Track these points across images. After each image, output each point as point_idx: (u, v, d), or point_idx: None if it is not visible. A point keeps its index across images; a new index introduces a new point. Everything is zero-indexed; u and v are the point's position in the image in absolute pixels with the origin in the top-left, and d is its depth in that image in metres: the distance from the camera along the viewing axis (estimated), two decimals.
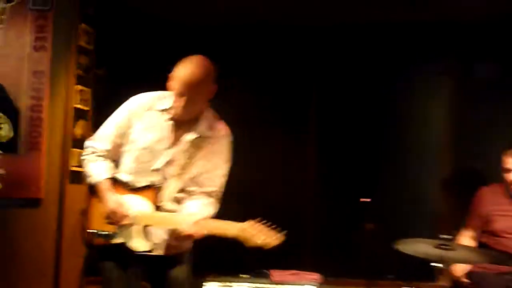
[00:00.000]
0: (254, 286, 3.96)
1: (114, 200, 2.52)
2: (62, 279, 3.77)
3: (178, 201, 2.57)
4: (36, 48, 3.67)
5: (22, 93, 3.70)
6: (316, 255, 4.62)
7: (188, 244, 2.64)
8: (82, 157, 2.69)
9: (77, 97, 3.91)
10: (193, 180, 2.59)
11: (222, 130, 2.65)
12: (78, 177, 3.80)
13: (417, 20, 4.59)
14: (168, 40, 4.67)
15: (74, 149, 3.83)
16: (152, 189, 2.54)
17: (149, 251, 2.56)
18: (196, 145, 2.57)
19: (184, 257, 2.67)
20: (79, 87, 3.91)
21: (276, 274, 4.02)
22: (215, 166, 2.59)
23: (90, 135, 3.76)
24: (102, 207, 2.57)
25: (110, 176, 2.56)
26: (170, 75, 2.47)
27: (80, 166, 3.79)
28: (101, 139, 2.63)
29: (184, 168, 2.57)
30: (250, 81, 4.88)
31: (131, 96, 2.71)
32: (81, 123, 3.94)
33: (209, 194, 2.56)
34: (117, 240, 2.56)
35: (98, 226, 2.58)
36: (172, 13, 4.60)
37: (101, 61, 4.15)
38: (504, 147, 3.81)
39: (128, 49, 4.42)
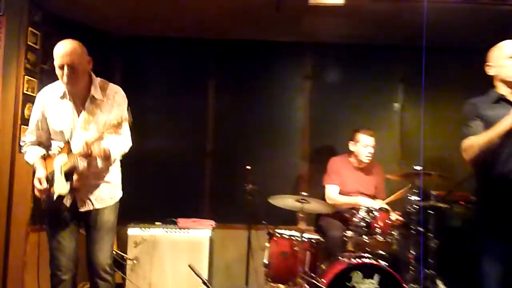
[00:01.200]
0: (165, 230, 4.37)
1: (41, 171, 2.87)
2: (12, 227, 4.00)
3: None
4: None
5: None
6: (211, 208, 5.05)
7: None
8: (22, 150, 3.05)
9: (26, 85, 4.14)
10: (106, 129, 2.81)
11: (114, 89, 3.03)
12: None
13: (285, 41, 5.22)
14: (96, 44, 4.60)
15: (23, 126, 4.06)
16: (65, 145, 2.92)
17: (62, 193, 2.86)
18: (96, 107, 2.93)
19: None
20: (27, 77, 4.16)
21: (181, 221, 4.44)
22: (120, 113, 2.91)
23: None
24: None
25: (37, 159, 2.92)
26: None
27: None
28: (29, 134, 3.02)
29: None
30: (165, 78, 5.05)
31: None
32: (28, 106, 4.12)
33: None
34: (55, 195, 2.87)
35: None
36: (100, 24, 4.82)
37: (46, 58, 4.29)
38: (349, 130, 4.55)
39: None
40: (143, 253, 4.25)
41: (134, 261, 4.23)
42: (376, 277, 3.50)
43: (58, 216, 2.92)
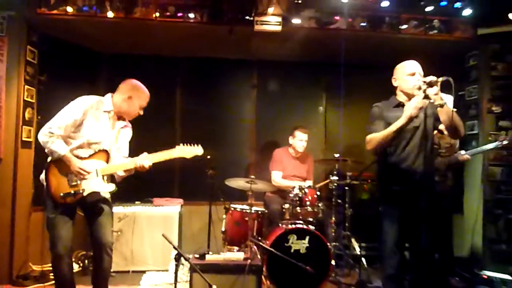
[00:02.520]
0: (142, 209, 4.30)
1: (79, 163, 2.73)
2: (17, 208, 3.95)
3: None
4: None
5: None
6: (180, 189, 5.05)
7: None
8: (43, 139, 2.70)
9: (26, 93, 4.06)
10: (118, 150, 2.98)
11: (129, 123, 3.09)
12: (27, 145, 4.08)
13: (236, 58, 5.20)
14: (85, 60, 4.74)
15: (24, 127, 4.04)
16: (103, 153, 2.84)
17: (112, 191, 2.84)
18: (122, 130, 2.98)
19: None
20: (27, 87, 4.08)
21: (156, 200, 4.41)
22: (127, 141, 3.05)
23: (35, 118, 4.05)
24: (59, 176, 2.73)
25: (67, 152, 2.71)
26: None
27: (28, 138, 4.05)
28: (59, 128, 2.71)
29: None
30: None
31: (63, 93, 3.04)
32: (28, 110, 4.11)
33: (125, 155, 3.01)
34: (87, 191, 2.76)
35: (62, 190, 2.72)
36: (88, 44, 4.69)
37: (42, 70, 4.27)
38: (286, 127, 4.66)
39: (60, 64, 4.47)
40: (125, 226, 4.19)
41: (119, 233, 4.17)
42: (307, 238, 3.60)
43: (69, 204, 2.76)
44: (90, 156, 2.81)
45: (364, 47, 4.64)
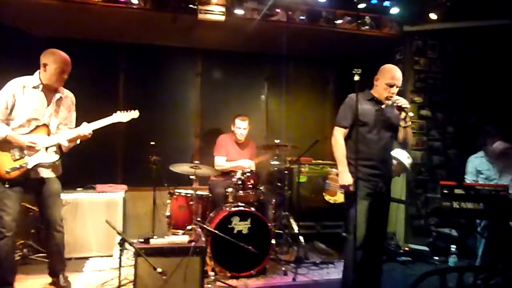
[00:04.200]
0: (85, 195, 4.14)
1: (26, 137, 2.82)
2: None
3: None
4: None
5: None
6: (124, 175, 4.93)
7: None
8: None
9: None
10: (63, 122, 3.08)
11: (69, 93, 3.17)
12: None
13: (181, 46, 5.12)
14: (23, 44, 4.39)
15: None
16: (43, 127, 2.92)
17: (53, 162, 2.94)
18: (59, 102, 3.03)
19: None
20: None
21: (99, 187, 4.29)
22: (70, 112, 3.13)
23: None
24: (2, 154, 2.81)
25: (10, 132, 2.80)
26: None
27: None
28: None
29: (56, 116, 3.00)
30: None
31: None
32: None
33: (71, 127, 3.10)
34: (31, 164, 2.85)
35: (7, 166, 2.81)
36: (27, 27, 4.39)
37: None
38: (229, 114, 4.63)
39: None
40: (67, 213, 3.96)
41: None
42: (249, 219, 3.65)
43: (16, 180, 2.84)
44: (31, 131, 2.90)
45: (303, 39, 4.74)
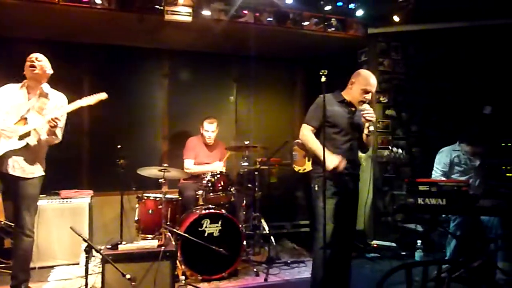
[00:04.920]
0: (48, 202, 4.01)
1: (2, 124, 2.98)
2: None
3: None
4: None
5: None
6: (90, 180, 4.77)
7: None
8: None
9: None
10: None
11: (59, 95, 3.26)
12: None
13: (148, 47, 5.00)
14: None
15: None
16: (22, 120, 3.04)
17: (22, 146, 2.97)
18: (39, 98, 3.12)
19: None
20: None
21: (64, 192, 4.15)
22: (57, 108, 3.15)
23: None
24: None
25: None
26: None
27: None
28: None
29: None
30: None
31: None
32: None
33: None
34: (1, 151, 2.95)
35: None
36: None
37: None
38: (198, 116, 4.59)
39: None
40: None
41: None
42: (220, 222, 3.64)
43: None
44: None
45: (271, 40, 4.78)
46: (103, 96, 3.21)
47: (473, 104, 4.60)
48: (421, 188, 2.93)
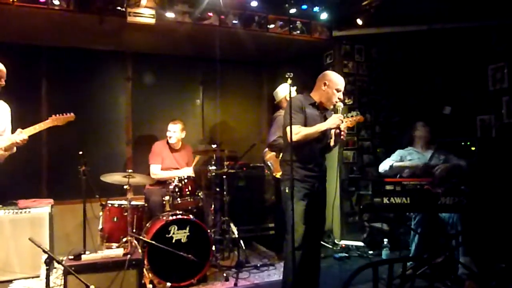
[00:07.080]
0: (5, 213, 3.83)
1: None
2: None
3: None
4: None
5: None
6: (50, 188, 4.63)
7: None
8: None
9: None
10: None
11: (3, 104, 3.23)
12: None
13: (109, 50, 4.88)
14: None
15: None
16: None
17: None
18: None
19: None
20: None
21: (22, 202, 3.99)
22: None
23: None
24: None
25: None
26: None
27: None
28: None
29: None
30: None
31: None
32: None
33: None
34: None
35: None
36: None
37: None
38: (164, 120, 4.54)
39: None
40: None
41: None
42: (188, 227, 3.60)
43: None
44: None
45: (236, 43, 4.79)
46: (71, 117, 3.29)
47: (434, 105, 4.80)
48: (387, 187, 3.02)
